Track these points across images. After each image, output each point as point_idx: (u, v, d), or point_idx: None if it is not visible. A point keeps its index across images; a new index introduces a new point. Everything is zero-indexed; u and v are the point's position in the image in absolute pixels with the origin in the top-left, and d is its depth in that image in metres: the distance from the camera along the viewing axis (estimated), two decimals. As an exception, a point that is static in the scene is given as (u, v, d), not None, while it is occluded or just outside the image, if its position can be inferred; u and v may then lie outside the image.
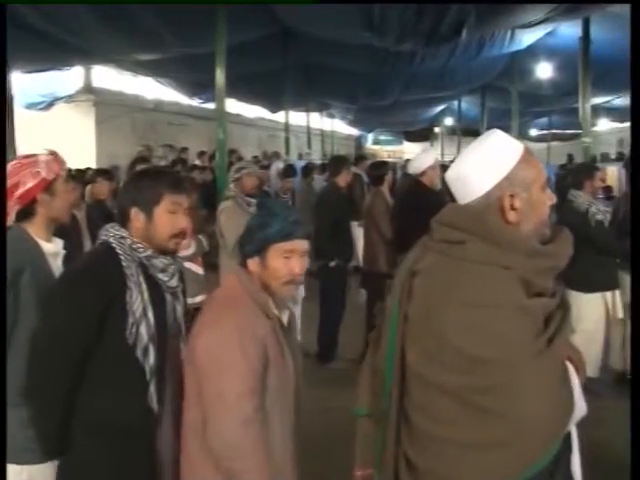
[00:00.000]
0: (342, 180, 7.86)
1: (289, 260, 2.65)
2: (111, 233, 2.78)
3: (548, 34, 15.87)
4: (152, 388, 2.70)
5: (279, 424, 2.65)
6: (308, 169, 13.22)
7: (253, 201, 6.40)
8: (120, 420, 2.66)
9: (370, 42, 12.80)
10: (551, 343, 1.98)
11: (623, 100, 26.37)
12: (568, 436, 2.06)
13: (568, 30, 15.33)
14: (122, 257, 2.70)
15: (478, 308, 1.93)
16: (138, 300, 2.66)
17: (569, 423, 2.00)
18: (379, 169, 8.18)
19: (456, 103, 29.39)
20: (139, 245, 2.75)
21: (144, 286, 2.71)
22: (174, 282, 2.86)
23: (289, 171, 10.72)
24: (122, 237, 2.75)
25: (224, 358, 2.49)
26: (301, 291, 7.56)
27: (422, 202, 6.47)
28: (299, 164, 15.11)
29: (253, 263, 2.67)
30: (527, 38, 15.72)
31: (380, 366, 2.26)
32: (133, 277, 2.68)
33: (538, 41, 16.32)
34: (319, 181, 12.77)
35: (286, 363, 2.71)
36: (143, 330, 2.66)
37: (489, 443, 1.95)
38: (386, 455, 2.19)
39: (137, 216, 2.78)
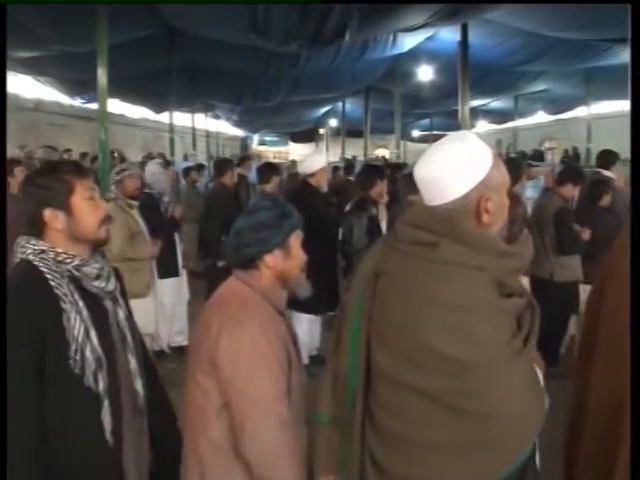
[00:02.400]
0: (228, 181, 7.88)
1: (300, 246, 2.67)
2: (29, 249, 2.40)
3: (428, 38, 16.26)
4: (106, 416, 2.42)
5: (304, 431, 2.56)
6: (189, 170, 13.12)
7: (135, 203, 6.25)
8: (78, 459, 2.38)
9: (255, 43, 12.77)
10: (527, 343, 1.98)
11: (500, 103, 27.38)
12: None
13: (447, 35, 15.76)
14: (49, 276, 2.35)
15: (456, 311, 1.91)
16: (77, 322, 2.35)
17: (543, 421, 2.01)
18: (270, 170, 8.18)
19: (340, 104, 29.71)
20: (64, 255, 2.41)
21: (81, 304, 2.39)
22: (111, 285, 2.56)
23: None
24: (42, 251, 2.39)
25: (255, 361, 2.38)
26: (185, 293, 7.46)
27: (310, 202, 6.50)
28: (181, 165, 14.91)
29: (273, 258, 2.57)
30: (409, 42, 16.05)
31: (342, 370, 2.20)
32: (67, 297, 2.35)
33: (419, 45, 16.69)
34: (201, 182, 12.67)
35: (300, 361, 2.65)
36: (88, 354, 2.36)
37: (468, 445, 1.93)
38: (351, 459, 2.14)
39: (54, 217, 2.43)
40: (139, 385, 2.62)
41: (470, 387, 1.90)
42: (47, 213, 2.43)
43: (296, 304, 6.01)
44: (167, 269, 6.87)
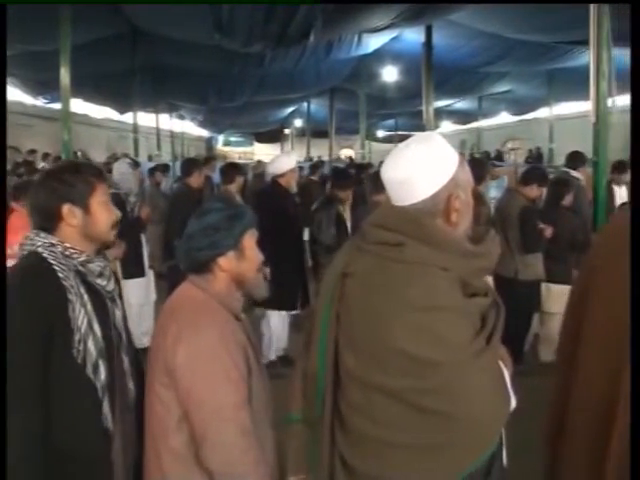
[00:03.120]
0: (194, 181, 7.81)
1: (256, 246, 2.64)
2: (38, 242, 2.47)
3: (393, 39, 16.34)
4: (106, 407, 2.46)
5: (269, 434, 2.55)
6: (154, 171, 13.03)
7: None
8: (80, 448, 2.41)
9: (219, 43, 12.73)
10: (490, 341, 2.01)
11: (464, 103, 27.60)
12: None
13: (412, 36, 15.85)
14: (57, 268, 2.41)
15: (422, 311, 1.92)
16: (82, 313, 2.42)
17: (507, 418, 2.04)
18: (233, 170, 8.16)
19: (305, 105, 29.75)
20: (72, 250, 2.48)
21: (86, 297, 2.45)
22: (111, 285, 2.63)
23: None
24: (52, 244, 2.47)
25: (214, 369, 2.34)
26: (152, 293, 7.42)
27: (280, 203, 6.51)
28: (146, 166, 14.82)
29: (227, 261, 2.52)
30: (373, 42, 16.11)
31: (312, 370, 2.18)
32: (73, 288, 2.41)
33: (384, 46, 16.75)
34: (167, 183, 12.60)
35: (261, 366, 2.62)
36: (91, 345, 2.42)
37: (434, 444, 1.95)
38: (321, 459, 2.13)
39: (71, 213, 2.51)
40: (131, 384, 2.64)
41: (434, 386, 1.92)
42: (66, 208, 2.52)
43: (265, 301, 6.07)
44: (133, 270, 6.83)
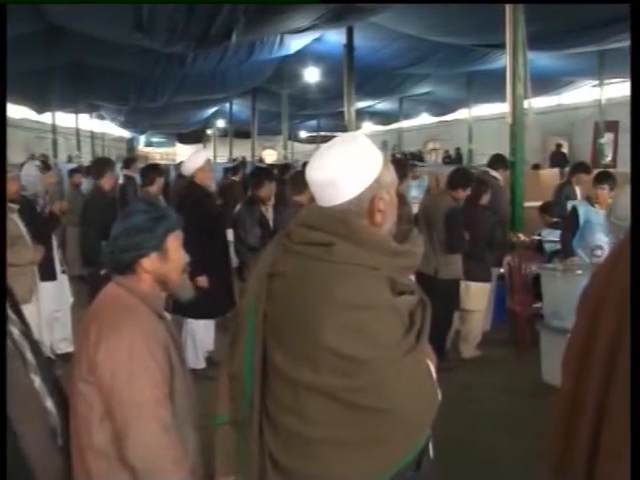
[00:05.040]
0: (106, 183, 7.57)
1: (181, 248, 2.62)
2: None
3: (315, 40, 16.42)
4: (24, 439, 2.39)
5: (192, 431, 2.54)
6: (75, 172, 12.74)
7: (15, 207, 6.00)
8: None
9: (140, 43, 12.56)
10: (419, 339, 2.02)
11: (385, 104, 27.93)
12: None
13: (334, 37, 15.97)
14: None
15: (353, 310, 1.93)
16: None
17: (435, 413, 2.06)
18: (153, 171, 8.03)
19: (228, 105, 29.60)
20: None
21: None
22: None
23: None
24: None
25: (135, 367, 2.34)
26: (68, 297, 7.26)
27: (200, 203, 6.45)
28: (66, 167, 14.53)
29: (150, 262, 2.53)
30: (295, 44, 16.16)
31: (238, 371, 2.18)
32: None
33: (306, 47, 16.83)
34: (87, 184, 12.34)
35: (184, 365, 2.62)
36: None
37: (365, 440, 1.96)
38: (250, 460, 2.12)
39: None
40: (49, 402, 2.53)
41: (365, 384, 1.93)
42: None
43: (191, 310, 6.01)
44: (43, 272, 6.62)
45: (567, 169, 16.32)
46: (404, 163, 7.74)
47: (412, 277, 5.78)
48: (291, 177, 8.00)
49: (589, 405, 1.71)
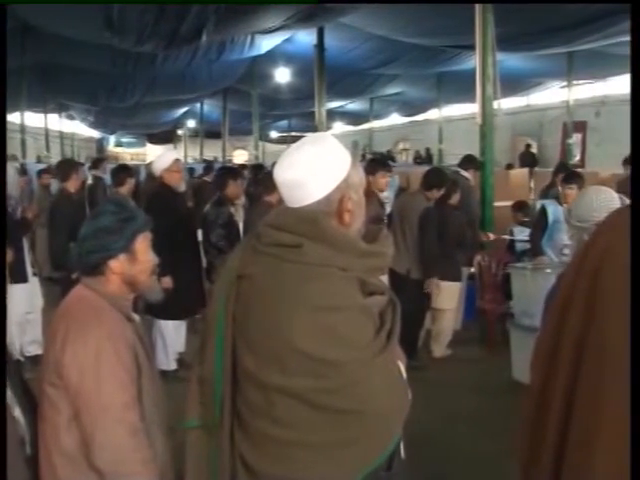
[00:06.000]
0: (72, 185, 7.49)
1: (150, 249, 2.61)
2: None
3: (286, 41, 16.40)
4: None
5: (161, 433, 2.53)
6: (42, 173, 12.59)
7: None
8: None
9: (110, 42, 12.45)
10: (389, 339, 2.03)
11: (356, 105, 27.99)
12: None
13: (304, 38, 15.97)
14: None
15: (323, 311, 1.92)
16: None
17: (407, 412, 2.07)
18: (124, 172, 7.98)
19: (198, 105, 29.49)
20: None
21: None
22: None
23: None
24: None
25: (102, 369, 2.33)
26: (38, 300, 7.18)
27: (169, 203, 6.41)
28: (35, 167, 14.37)
29: (118, 263, 2.52)
30: (266, 44, 16.13)
31: (208, 374, 2.16)
32: None
33: (277, 47, 16.80)
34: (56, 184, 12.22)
35: (153, 367, 2.62)
36: None
37: (338, 442, 1.96)
38: (222, 463, 2.11)
39: None
40: (17, 411, 2.50)
41: (338, 386, 1.93)
42: None
43: (161, 311, 5.98)
44: (14, 275, 6.55)
45: (536, 169, 16.56)
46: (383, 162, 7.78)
47: (385, 277, 5.87)
48: (262, 177, 7.99)
49: (557, 402, 1.72)
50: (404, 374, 2.12)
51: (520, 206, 8.92)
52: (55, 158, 22.89)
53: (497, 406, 5.64)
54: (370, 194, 6.48)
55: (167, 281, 5.94)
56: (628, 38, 12.88)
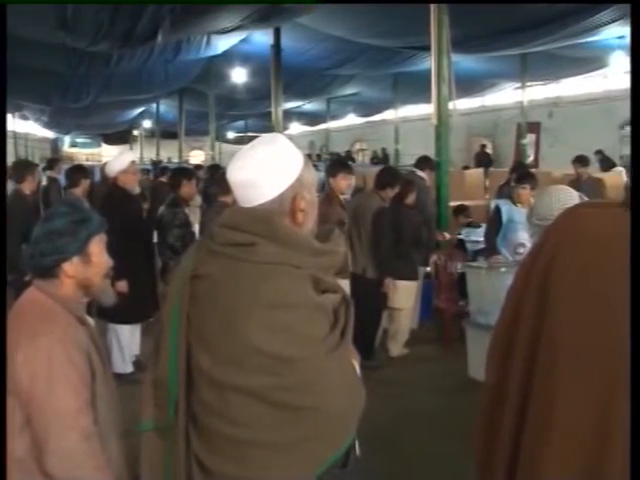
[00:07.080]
0: (27, 187, 7.36)
1: (104, 251, 2.58)
2: None
3: (242, 41, 16.34)
4: None
5: (115, 437, 2.51)
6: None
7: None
8: None
9: (64, 42, 12.30)
10: (343, 336, 2.05)
11: (313, 105, 28.01)
12: None
13: (261, 38, 15.94)
14: None
15: (278, 309, 1.94)
16: None
17: (362, 410, 2.08)
18: (79, 173, 7.89)
19: (154, 106, 29.27)
20: None
21: None
22: None
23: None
24: None
25: (53, 373, 2.29)
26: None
27: (123, 205, 6.35)
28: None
29: (72, 266, 2.48)
30: (222, 44, 16.05)
31: (162, 375, 2.15)
32: None
33: (233, 47, 16.72)
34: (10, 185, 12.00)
35: (107, 370, 2.58)
36: None
37: (295, 439, 1.97)
38: (177, 465, 2.10)
39: None
40: None
41: (293, 383, 1.94)
42: None
43: (114, 315, 5.92)
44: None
45: (491, 169, 16.75)
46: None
47: (346, 281, 5.90)
48: (217, 177, 7.97)
49: (512, 398, 1.75)
50: (358, 372, 2.14)
51: (459, 210, 9.05)
52: (9, 159, 22.54)
53: (454, 404, 5.69)
54: (332, 197, 6.52)
55: (122, 285, 5.89)
56: (579, 40, 13.14)
